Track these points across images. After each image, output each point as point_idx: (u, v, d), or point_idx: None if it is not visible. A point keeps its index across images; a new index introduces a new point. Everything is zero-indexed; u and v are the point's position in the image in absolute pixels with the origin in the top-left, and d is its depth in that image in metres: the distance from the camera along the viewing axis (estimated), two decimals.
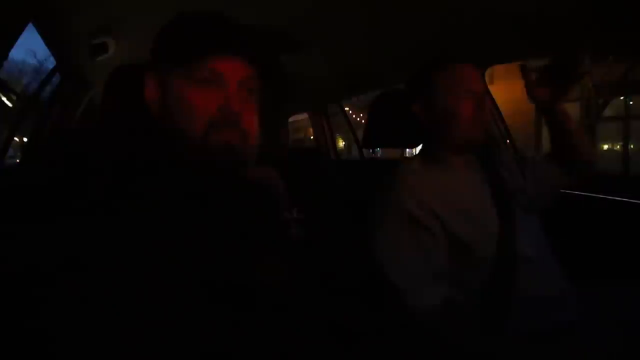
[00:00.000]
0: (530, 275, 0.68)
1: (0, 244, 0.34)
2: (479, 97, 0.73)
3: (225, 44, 0.46)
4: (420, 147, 0.86)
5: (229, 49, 0.46)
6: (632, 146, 6.65)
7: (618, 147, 6.91)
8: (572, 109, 7.26)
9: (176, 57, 0.46)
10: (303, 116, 2.77)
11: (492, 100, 1.36)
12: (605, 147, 7.10)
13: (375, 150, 1.11)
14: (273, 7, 0.91)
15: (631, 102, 6.63)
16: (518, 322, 0.66)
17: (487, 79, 1.42)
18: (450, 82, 0.73)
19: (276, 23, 0.98)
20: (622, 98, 6.62)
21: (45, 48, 1.26)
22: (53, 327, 0.31)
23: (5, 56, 0.87)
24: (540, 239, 0.75)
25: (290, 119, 2.73)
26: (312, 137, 2.72)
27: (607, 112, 6.83)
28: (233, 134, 0.45)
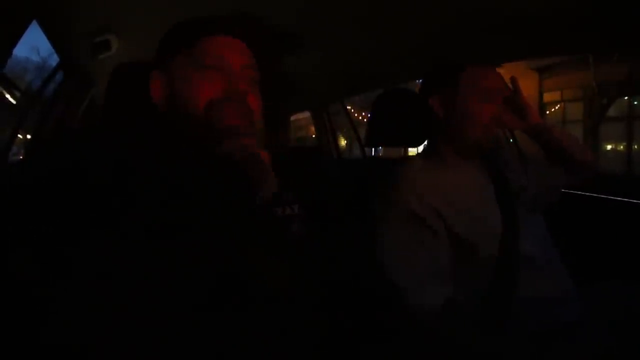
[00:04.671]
0: (533, 274, 0.67)
1: (3, 244, 0.34)
2: (500, 102, 0.72)
3: (220, 25, 0.48)
4: (422, 146, 0.86)
5: (225, 28, 0.48)
6: (635, 146, 6.61)
7: (621, 147, 6.87)
8: (576, 108, 7.25)
9: (177, 45, 0.48)
10: (304, 115, 2.77)
11: None
12: (609, 147, 7.06)
13: (378, 149, 1.11)
14: (273, 5, 0.91)
15: (635, 102, 6.59)
16: (521, 321, 0.66)
17: None
18: (475, 82, 0.72)
19: (276, 22, 0.98)
20: (626, 98, 6.57)
21: (49, 45, 1.27)
22: (52, 327, 0.31)
23: (9, 53, 0.87)
24: (544, 238, 0.74)
25: (292, 118, 2.73)
26: (313, 136, 2.72)
27: (611, 112, 6.78)
28: (236, 114, 0.45)
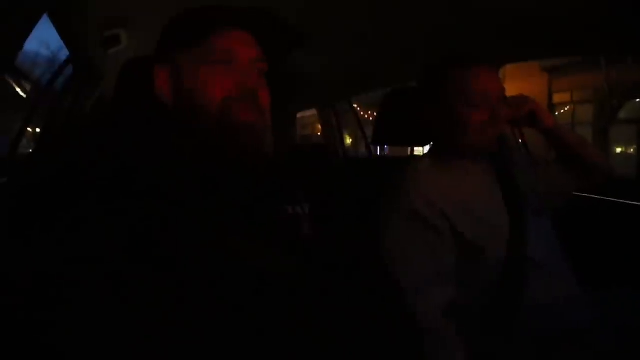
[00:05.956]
0: (540, 278, 0.66)
1: (8, 242, 0.34)
2: (494, 103, 0.68)
3: (231, 18, 0.47)
4: (429, 146, 0.85)
5: (235, 21, 0.47)
6: None
7: (632, 150, 6.77)
8: (586, 110, 7.15)
9: (185, 39, 0.47)
10: (310, 112, 2.77)
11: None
12: (619, 150, 6.96)
13: (384, 148, 1.11)
14: (280, 2, 0.91)
15: None
16: (527, 325, 0.65)
17: None
18: (464, 85, 0.69)
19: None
20: (637, 100, 6.46)
21: (59, 39, 1.28)
22: (55, 324, 0.31)
23: (21, 47, 0.88)
24: (552, 241, 0.73)
25: (298, 115, 2.73)
26: (319, 134, 2.72)
27: (622, 114, 6.68)
28: (250, 111, 0.44)
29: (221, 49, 0.45)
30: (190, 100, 0.45)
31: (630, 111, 6.63)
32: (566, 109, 7.37)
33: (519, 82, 6.32)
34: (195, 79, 0.45)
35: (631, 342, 0.63)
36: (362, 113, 7.68)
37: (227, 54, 0.45)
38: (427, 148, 0.86)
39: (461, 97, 0.69)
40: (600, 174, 0.81)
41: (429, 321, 0.63)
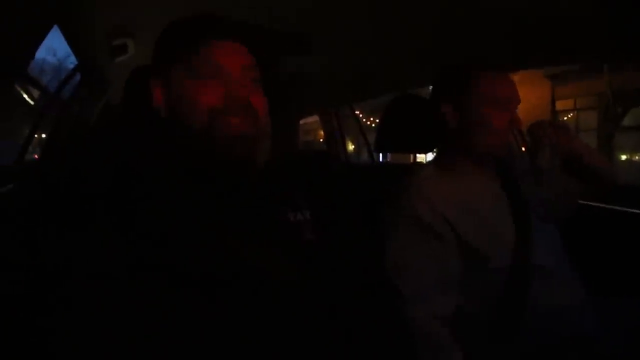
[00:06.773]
0: (546, 285, 0.66)
1: (12, 245, 0.34)
2: (514, 110, 0.71)
3: (219, 28, 0.47)
4: (433, 153, 0.85)
5: (223, 32, 0.47)
6: None
7: (637, 157, 6.72)
8: (589, 117, 7.12)
9: (174, 52, 0.47)
10: (313, 118, 2.79)
11: None
12: (623, 157, 6.90)
13: (386, 154, 1.11)
14: (283, 8, 0.92)
15: None
16: (532, 333, 0.64)
17: None
18: (490, 88, 0.71)
19: (285, 24, 0.99)
20: None
21: (65, 47, 1.30)
22: (54, 325, 0.31)
23: (32, 55, 0.90)
24: (557, 249, 0.73)
25: (300, 121, 2.75)
26: (321, 140, 2.74)
27: (626, 121, 6.64)
28: (240, 121, 0.43)
29: (208, 63, 0.45)
30: (180, 112, 0.45)
31: (634, 118, 6.59)
32: (569, 115, 7.35)
33: (522, 89, 6.28)
34: (184, 92, 0.45)
35: (637, 349, 0.62)
36: (364, 120, 7.70)
37: (215, 67, 0.45)
38: (430, 155, 0.86)
39: (487, 99, 0.70)
40: (605, 181, 0.81)
41: (429, 328, 0.62)
